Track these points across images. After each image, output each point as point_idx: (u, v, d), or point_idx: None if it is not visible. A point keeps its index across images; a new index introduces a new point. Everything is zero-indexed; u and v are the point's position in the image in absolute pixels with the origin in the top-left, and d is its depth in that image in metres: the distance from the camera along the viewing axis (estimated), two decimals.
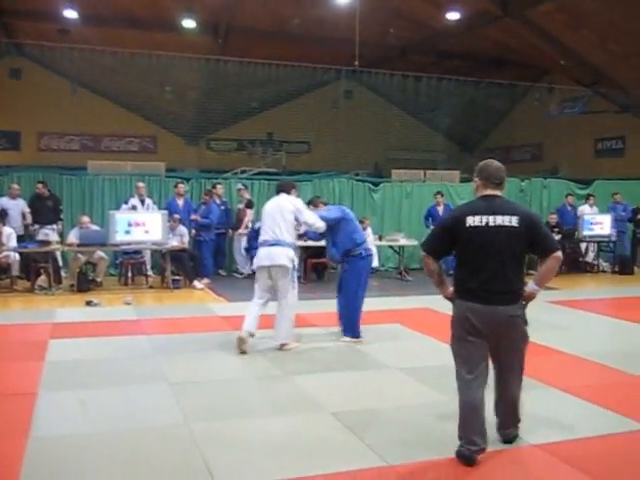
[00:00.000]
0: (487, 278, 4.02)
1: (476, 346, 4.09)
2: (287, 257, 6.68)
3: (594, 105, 19.27)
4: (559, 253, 4.13)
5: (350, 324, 7.29)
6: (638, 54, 17.31)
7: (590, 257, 14.52)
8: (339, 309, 7.43)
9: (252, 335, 6.77)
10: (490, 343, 4.11)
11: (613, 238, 14.17)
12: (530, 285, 4.19)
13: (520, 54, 20.38)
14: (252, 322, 6.75)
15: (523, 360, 4.28)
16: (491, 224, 4.01)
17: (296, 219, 6.81)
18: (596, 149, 21.53)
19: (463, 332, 4.12)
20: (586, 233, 13.81)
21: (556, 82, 20.29)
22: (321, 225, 7.00)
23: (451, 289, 4.23)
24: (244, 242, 12.54)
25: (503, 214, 4.04)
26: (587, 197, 14.79)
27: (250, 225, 12.18)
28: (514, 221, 4.02)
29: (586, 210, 14.28)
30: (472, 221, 4.02)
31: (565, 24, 17.18)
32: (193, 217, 11.87)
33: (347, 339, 7.23)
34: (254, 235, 12.01)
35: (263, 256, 6.76)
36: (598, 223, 13.95)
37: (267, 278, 6.80)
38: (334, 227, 7.20)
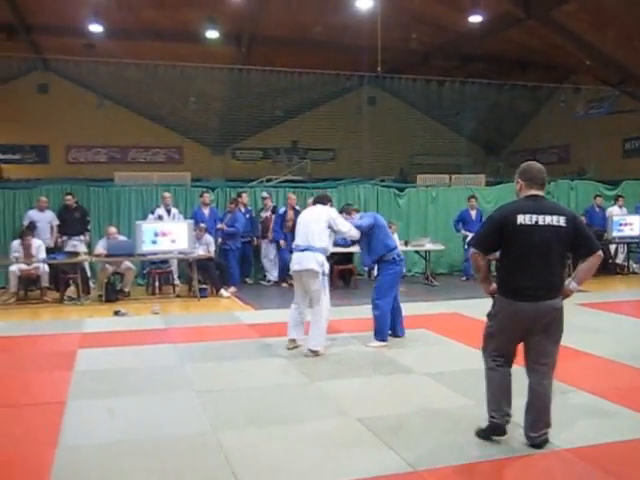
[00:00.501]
0: (534, 275, 4.19)
1: (511, 340, 4.34)
2: (316, 261, 6.79)
3: (621, 105, 19.05)
4: (601, 253, 4.34)
5: (380, 328, 7.30)
6: None
7: (620, 259, 14.30)
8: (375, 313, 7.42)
9: (294, 341, 7.04)
10: (529, 337, 4.28)
11: None
12: (571, 283, 4.34)
13: (544, 55, 20.21)
14: (291, 330, 7.08)
15: (557, 354, 4.40)
16: (540, 223, 4.18)
17: (330, 227, 6.95)
18: (624, 149, 21.26)
19: (503, 327, 4.33)
20: (615, 234, 13.61)
21: (582, 82, 20.10)
22: (355, 233, 7.16)
23: (494, 286, 4.38)
24: (271, 249, 12.58)
25: (551, 214, 4.21)
26: (616, 198, 14.57)
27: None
28: (562, 221, 4.21)
29: (615, 211, 14.08)
30: (523, 219, 4.18)
31: (589, 23, 17.01)
32: (219, 226, 11.93)
33: (376, 344, 7.21)
34: (279, 220, 12.12)
35: (295, 261, 6.96)
36: (628, 224, 13.75)
37: (300, 283, 7.01)
38: (367, 234, 7.33)
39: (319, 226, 6.88)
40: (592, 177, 16.43)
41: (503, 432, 4.38)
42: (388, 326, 7.39)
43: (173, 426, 4.84)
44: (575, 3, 15.88)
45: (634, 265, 14.23)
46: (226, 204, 12.68)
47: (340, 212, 7.65)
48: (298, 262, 6.88)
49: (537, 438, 4.31)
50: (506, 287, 4.30)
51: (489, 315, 4.47)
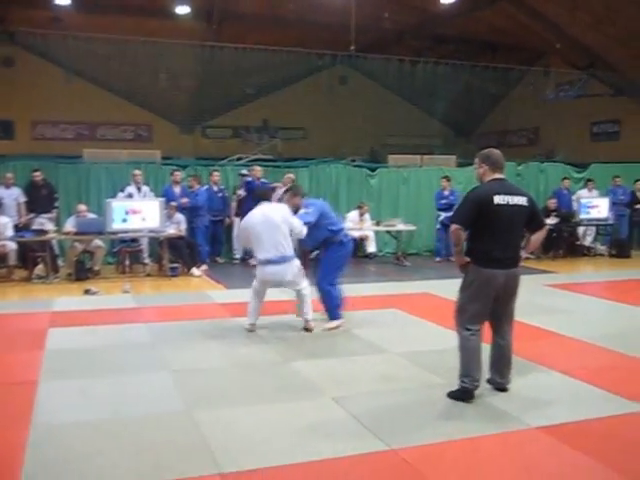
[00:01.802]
0: (506, 247, 4.83)
1: (485, 305, 4.85)
2: (295, 270, 6.88)
3: (590, 88, 19.24)
4: (547, 227, 5.38)
5: (329, 307, 7.28)
6: (633, 36, 17.23)
7: (588, 241, 14.52)
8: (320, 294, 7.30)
9: (254, 325, 7.08)
10: (497, 300, 4.86)
11: (610, 221, 14.17)
12: (522, 252, 5.04)
13: (515, 37, 20.31)
14: (253, 315, 7.11)
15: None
16: (511, 203, 4.78)
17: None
18: (592, 132, 21.51)
19: (478, 293, 4.83)
20: (583, 216, 13.81)
21: (552, 65, 20.25)
22: (304, 231, 6.92)
23: (466, 258, 4.86)
24: None
25: (517, 195, 4.87)
26: (586, 182, 14.76)
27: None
28: (524, 201, 4.87)
29: (584, 194, 14.28)
30: (498, 199, 4.75)
31: (560, 6, 17.09)
32: (183, 201, 11.76)
33: (332, 324, 7.18)
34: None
35: (270, 274, 6.83)
36: (595, 206, 13.95)
37: (273, 285, 7.08)
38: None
39: (283, 232, 6.74)
40: (561, 160, 16.62)
41: (472, 397, 4.86)
42: (338, 301, 7.28)
43: (147, 405, 4.82)
44: None
45: (600, 247, 14.46)
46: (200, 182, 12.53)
47: (286, 191, 7.62)
48: (275, 273, 6.78)
49: (505, 383, 5.06)
50: (483, 257, 4.79)
51: (462, 287, 4.94)
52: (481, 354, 4.90)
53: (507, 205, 4.76)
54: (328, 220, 7.26)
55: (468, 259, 4.85)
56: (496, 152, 5.00)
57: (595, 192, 14.52)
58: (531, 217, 4.94)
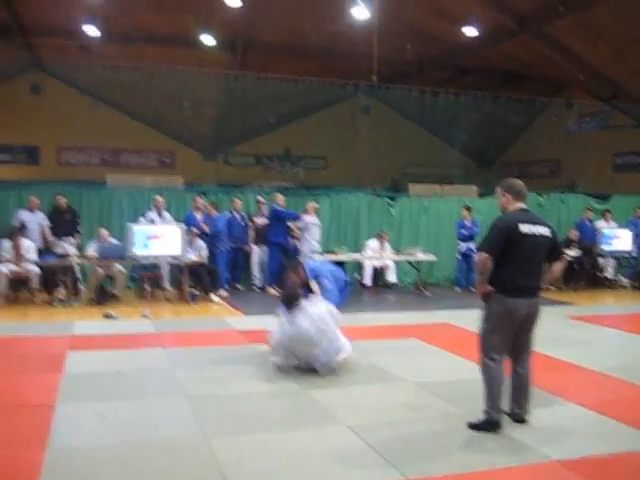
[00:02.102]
0: (529, 277, 4.85)
1: (508, 334, 4.84)
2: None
3: (612, 120, 19.18)
4: (565, 257, 5.54)
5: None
6: None
7: (610, 273, 14.35)
8: None
9: None
10: (518, 330, 4.87)
11: (634, 254, 14.02)
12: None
13: (538, 69, 20.34)
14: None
15: None
16: (536, 233, 4.84)
17: None
18: (615, 164, 21.38)
19: (502, 323, 4.81)
20: (605, 248, 13.68)
21: (574, 97, 20.22)
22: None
23: (489, 287, 4.82)
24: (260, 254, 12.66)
25: (541, 225, 4.92)
26: (603, 213, 14.67)
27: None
28: (547, 232, 4.92)
29: (602, 225, 14.16)
30: (524, 229, 4.79)
31: (582, 39, 17.13)
32: (202, 227, 11.83)
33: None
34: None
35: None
36: (617, 238, 13.82)
37: None
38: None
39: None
40: (583, 191, 16.52)
41: (499, 427, 4.82)
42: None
43: (163, 430, 4.82)
44: (568, 18, 15.98)
45: (623, 279, 14.29)
46: (218, 209, 12.62)
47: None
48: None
49: (523, 414, 5.00)
50: (508, 286, 4.79)
51: (485, 317, 4.90)
52: (503, 384, 4.88)
53: (532, 235, 4.80)
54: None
55: (491, 288, 4.82)
56: (518, 182, 5.04)
57: (613, 223, 14.40)
58: (552, 248, 4.96)
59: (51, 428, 4.76)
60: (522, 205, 4.95)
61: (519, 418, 5.00)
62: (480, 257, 4.83)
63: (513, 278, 4.78)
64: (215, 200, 12.71)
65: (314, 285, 7.07)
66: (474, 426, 4.85)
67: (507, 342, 4.88)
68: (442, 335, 8.55)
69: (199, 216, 11.97)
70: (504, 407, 4.93)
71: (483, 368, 4.90)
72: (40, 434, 4.62)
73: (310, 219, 12.30)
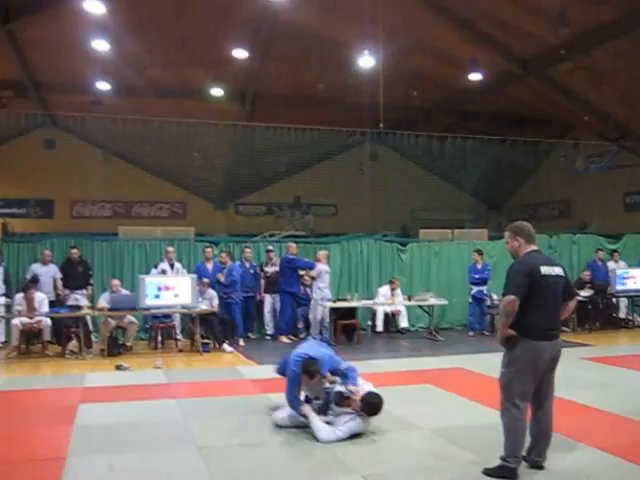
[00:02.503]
0: (552, 318, 4.84)
1: (534, 379, 4.76)
2: None
3: (621, 159, 19.23)
4: (577, 297, 5.38)
5: None
6: None
7: (623, 312, 14.23)
8: None
9: None
10: (543, 374, 4.80)
11: None
12: None
13: (543, 111, 20.53)
14: None
15: None
16: (552, 273, 4.83)
17: None
18: (625, 203, 21.36)
19: (527, 367, 4.70)
20: (619, 288, 13.58)
21: (581, 138, 20.32)
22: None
23: (511, 331, 4.73)
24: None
25: (556, 265, 4.94)
26: (611, 253, 14.63)
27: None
28: (561, 271, 4.92)
29: (612, 266, 14.10)
30: (544, 270, 4.78)
31: (586, 81, 17.32)
32: (218, 276, 11.87)
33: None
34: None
35: None
36: (631, 277, 13.73)
37: None
38: None
39: None
40: (594, 231, 16.48)
41: (517, 476, 4.69)
42: None
43: None
44: (571, 62, 16.20)
45: (638, 318, 14.15)
46: (233, 259, 12.67)
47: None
48: None
49: (542, 461, 4.90)
50: (533, 329, 4.72)
51: (508, 362, 4.79)
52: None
53: (551, 276, 4.81)
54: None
55: (513, 332, 4.73)
56: (527, 224, 5.06)
57: (622, 263, 14.34)
58: (565, 287, 4.95)
59: None
60: (534, 247, 4.95)
61: (538, 465, 4.88)
62: (508, 299, 4.71)
63: (538, 321, 4.74)
64: (226, 249, 12.76)
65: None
66: (491, 472, 4.74)
67: (531, 388, 4.77)
68: (456, 380, 8.45)
69: (210, 266, 12.02)
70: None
71: (506, 415, 4.78)
72: None
73: (323, 267, 12.32)
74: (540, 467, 4.88)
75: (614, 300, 14.01)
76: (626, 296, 13.95)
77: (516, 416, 4.71)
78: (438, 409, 6.98)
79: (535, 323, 4.73)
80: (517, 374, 4.72)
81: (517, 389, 4.72)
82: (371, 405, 5.83)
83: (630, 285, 13.70)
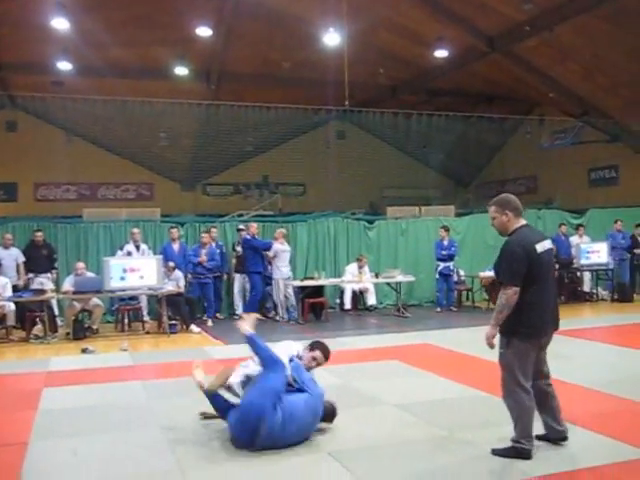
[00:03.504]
0: (553, 301, 4.67)
1: (533, 358, 4.59)
2: None
3: (585, 136, 19.40)
4: None
5: None
6: (623, 84, 17.48)
7: (588, 286, 14.46)
8: None
9: None
10: (540, 351, 4.69)
11: (611, 266, 14.13)
12: None
13: (509, 88, 20.60)
14: None
15: None
16: (547, 248, 4.57)
17: None
18: (590, 179, 21.60)
19: (527, 347, 4.50)
20: (583, 262, 13.77)
21: (546, 114, 20.46)
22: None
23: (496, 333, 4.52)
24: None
25: (545, 239, 4.66)
26: (577, 227, 14.82)
27: None
28: (550, 244, 4.67)
29: (576, 240, 14.29)
30: (539, 248, 4.50)
31: (551, 58, 17.38)
32: (201, 259, 11.80)
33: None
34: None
35: None
36: (595, 252, 13.93)
37: None
38: None
39: None
40: (559, 206, 16.67)
41: (531, 457, 4.51)
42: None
43: (139, 465, 4.72)
44: (536, 38, 16.23)
45: (602, 292, 14.38)
46: (196, 239, 12.59)
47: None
48: None
49: (566, 430, 4.74)
50: (534, 323, 4.51)
51: (508, 343, 4.52)
52: None
53: (546, 252, 4.55)
54: None
55: (495, 335, 4.51)
56: (513, 197, 4.73)
57: (586, 237, 14.55)
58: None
59: (24, 466, 4.65)
60: (523, 221, 4.64)
61: (563, 436, 4.74)
62: (513, 291, 4.39)
63: (539, 314, 4.50)
64: (187, 230, 12.67)
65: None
66: (502, 453, 4.57)
67: (532, 366, 4.59)
68: (423, 356, 8.52)
69: (176, 247, 11.94)
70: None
71: (513, 397, 4.54)
72: (11, 474, 4.51)
73: (280, 246, 12.24)
74: (566, 438, 4.74)
75: (578, 274, 14.21)
76: (590, 270, 14.17)
77: (523, 397, 4.50)
78: (405, 385, 7.03)
79: (535, 319, 4.49)
80: (518, 354, 4.50)
81: (520, 369, 4.50)
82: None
83: (594, 259, 13.90)
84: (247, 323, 5.39)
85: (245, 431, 4.84)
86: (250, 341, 5.21)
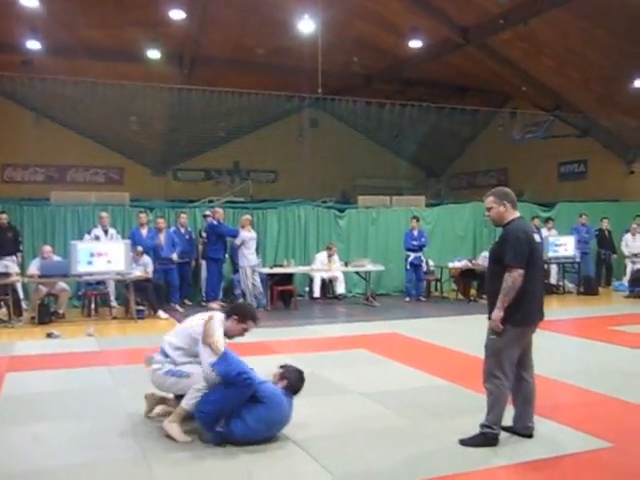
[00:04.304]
0: (541, 295, 4.79)
1: (521, 347, 4.69)
2: None
3: (556, 130, 19.58)
4: None
5: None
6: (595, 79, 17.67)
7: (554, 279, 14.65)
8: None
9: None
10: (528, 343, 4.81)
11: (577, 259, 14.32)
12: None
13: (483, 81, 20.69)
14: None
15: None
16: (538, 240, 4.75)
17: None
18: (559, 173, 21.83)
19: (516, 336, 4.60)
20: (551, 255, 13.92)
21: (519, 108, 20.58)
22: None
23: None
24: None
25: (536, 232, 4.82)
26: (546, 220, 14.99)
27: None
28: (539, 237, 4.85)
29: (544, 233, 14.45)
30: (536, 238, 4.71)
31: (525, 51, 17.49)
32: (173, 257, 11.79)
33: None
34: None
35: None
36: (562, 245, 14.09)
37: None
38: None
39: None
40: (529, 199, 16.82)
41: (497, 443, 4.65)
42: None
43: (102, 452, 4.66)
44: (510, 32, 16.30)
45: (569, 285, 14.58)
46: (168, 225, 12.47)
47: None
48: None
49: (533, 427, 4.83)
50: (524, 313, 4.61)
51: (497, 333, 4.59)
52: None
53: (539, 244, 4.77)
54: None
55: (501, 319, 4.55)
56: (509, 189, 4.93)
57: (554, 231, 14.73)
58: None
59: None
60: (518, 213, 4.79)
61: (530, 432, 4.81)
62: (519, 273, 4.49)
63: (532, 301, 4.63)
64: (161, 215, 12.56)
65: None
66: (471, 442, 4.63)
67: (518, 356, 4.69)
68: (390, 345, 8.56)
69: (144, 232, 11.82)
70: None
71: (494, 383, 4.62)
72: None
73: (247, 234, 12.14)
74: (530, 435, 4.80)
75: (545, 266, 14.36)
76: (557, 263, 14.36)
77: (504, 384, 4.60)
78: (372, 374, 7.05)
79: (528, 304, 4.59)
80: (508, 340, 4.58)
81: (507, 356, 4.59)
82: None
83: (561, 252, 14.07)
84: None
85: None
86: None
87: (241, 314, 5.16)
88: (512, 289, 4.50)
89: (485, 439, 4.61)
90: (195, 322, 5.16)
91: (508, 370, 4.61)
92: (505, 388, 4.62)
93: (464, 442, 4.65)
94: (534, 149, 20.62)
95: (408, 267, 13.26)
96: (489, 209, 4.82)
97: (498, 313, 4.54)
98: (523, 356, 4.74)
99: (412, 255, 13.17)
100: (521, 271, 4.49)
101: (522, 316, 4.58)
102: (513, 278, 4.49)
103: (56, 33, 16.89)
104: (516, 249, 4.55)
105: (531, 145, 20.50)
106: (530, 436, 4.77)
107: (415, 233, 13.24)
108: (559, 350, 8.40)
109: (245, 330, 5.15)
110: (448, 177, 26.41)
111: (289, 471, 4.34)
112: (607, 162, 19.55)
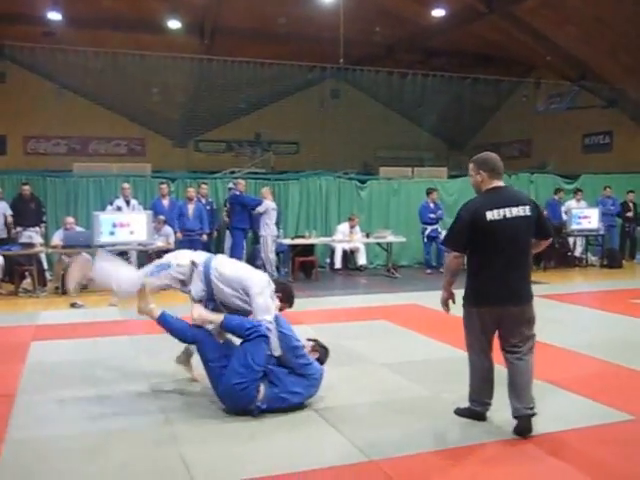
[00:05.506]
0: (508, 276, 4.23)
1: (487, 338, 4.44)
2: None
3: (581, 101, 19.29)
4: (551, 239, 4.54)
5: None
6: (623, 49, 17.33)
7: (578, 251, 14.52)
8: None
9: None
10: (502, 331, 4.46)
11: (601, 232, 14.17)
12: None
13: (506, 50, 20.38)
14: None
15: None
16: (508, 216, 4.18)
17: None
18: (584, 144, 21.53)
19: (477, 314, 4.34)
20: (574, 227, 13.79)
21: (543, 78, 20.28)
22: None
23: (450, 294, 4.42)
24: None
25: (517, 205, 4.23)
26: (575, 192, 14.79)
27: None
28: (526, 210, 4.24)
29: (573, 205, 14.28)
30: (491, 215, 4.17)
31: (550, 20, 17.16)
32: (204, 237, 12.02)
33: None
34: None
35: None
36: (586, 217, 13.94)
37: None
38: None
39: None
40: (552, 171, 16.62)
41: (484, 418, 4.53)
42: None
43: (126, 419, 4.74)
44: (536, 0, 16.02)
45: (592, 258, 14.45)
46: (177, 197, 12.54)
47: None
48: None
49: (521, 409, 4.40)
50: (478, 293, 4.36)
51: (463, 316, 4.49)
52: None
53: (504, 220, 4.17)
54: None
55: (453, 296, 4.41)
56: (493, 156, 4.39)
57: (583, 203, 14.54)
58: (536, 226, 4.33)
59: (9, 419, 4.66)
60: (498, 183, 4.33)
61: (518, 414, 4.40)
62: (453, 255, 4.30)
63: (487, 283, 4.27)
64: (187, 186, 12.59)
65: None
66: (459, 412, 4.64)
67: (486, 344, 4.44)
68: (411, 316, 8.56)
69: (166, 202, 11.88)
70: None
71: (468, 356, 4.58)
72: (0, 424, 4.52)
73: (270, 203, 12.14)
74: (518, 417, 4.38)
75: (571, 239, 14.24)
76: (581, 235, 14.21)
77: (473, 358, 4.50)
78: (393, 344, 7.06)
79: (485, 287, 4.27)
80: (466, 318, 4.44)
81: (470, 333, 4.46)
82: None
83: (585, 225, 13.92)
84: (200, 311, 5.18)
85: (237, 408, 4.78)
86: (227, 327, 4.97)
87: (286, 295, 5.38)
88: (448, 271, 4.41)
89: (470, 412, 4.58)
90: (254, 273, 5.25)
91: (474, 345, 4.44)
92: (475, 362, 4.47)
93: (456, 410, 4.67)
94: (558, 120, 20.34)
95: (426, 240, 13.22)
96: (470, 177, 4.49)
97: (442, 293, 4.44)
98: (502, 339, 4.43)
99: (429, 228, 13.13)
100: (455, 254, 4.27)
101: (475, 297, 4.34)
102: (448, 260, 4.37)
103: (77, 4, 16.89)
104: (452, 231, 4.35)
105: (555, 116, 20.22)
106: (517, 418, 4.33)
107: (432, 206, 13.18)
108: (577, 322, 8.36)
109: (280, 310, 5.25)
110: (471, 148, 26.08)
111: (308, 437, 4.38)
112: (633, 134, 19.21)
